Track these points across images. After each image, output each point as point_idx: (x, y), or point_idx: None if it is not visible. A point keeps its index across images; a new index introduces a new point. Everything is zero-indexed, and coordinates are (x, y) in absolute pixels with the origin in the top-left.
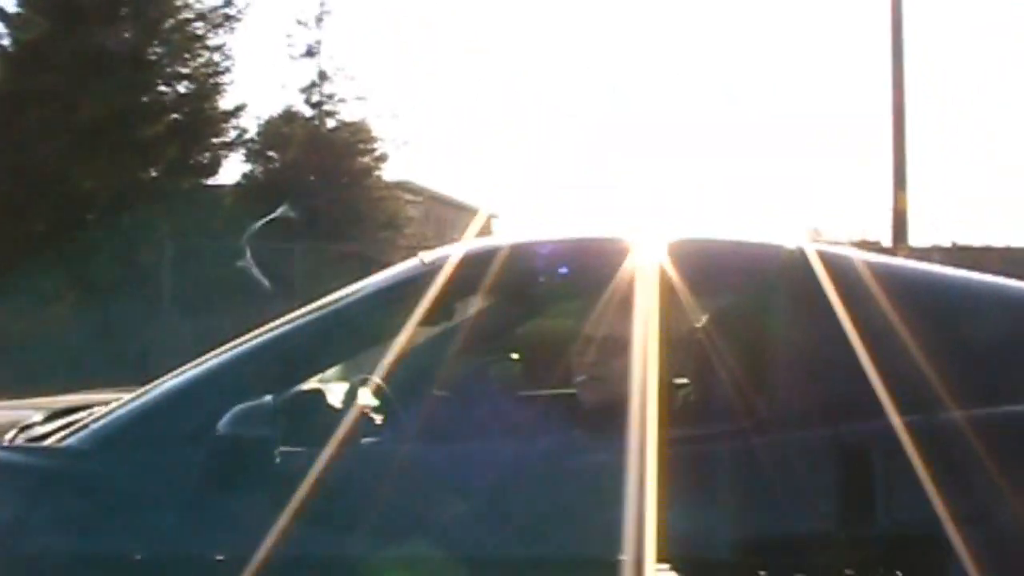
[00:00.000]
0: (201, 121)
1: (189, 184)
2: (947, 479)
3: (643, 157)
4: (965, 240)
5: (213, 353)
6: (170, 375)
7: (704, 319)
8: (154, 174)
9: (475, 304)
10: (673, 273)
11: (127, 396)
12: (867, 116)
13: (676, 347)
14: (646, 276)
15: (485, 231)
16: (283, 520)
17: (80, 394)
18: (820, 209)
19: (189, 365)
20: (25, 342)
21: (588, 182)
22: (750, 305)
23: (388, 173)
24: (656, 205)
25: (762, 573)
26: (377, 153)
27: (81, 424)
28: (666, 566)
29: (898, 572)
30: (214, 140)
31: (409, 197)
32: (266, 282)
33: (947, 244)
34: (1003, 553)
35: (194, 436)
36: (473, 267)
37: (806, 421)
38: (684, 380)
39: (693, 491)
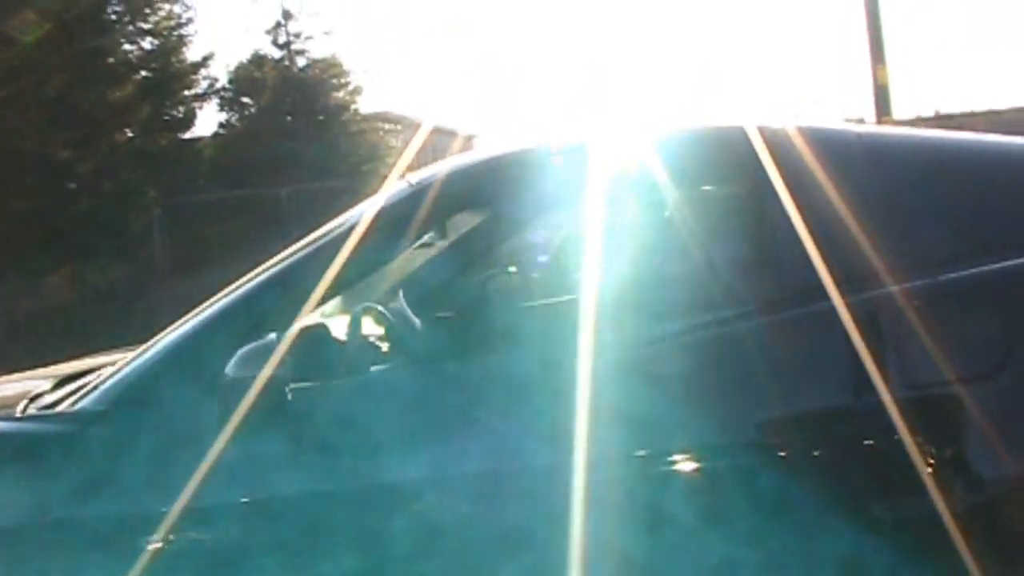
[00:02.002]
0: (170, 76)
1: (167, 141)
2: (946, 341)
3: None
4: (949, 108)
5: (212, 299)
6: (173, 326)
7: (677, 208)
8: (130, 135)
9: (468, 221)
10: (648, 168)
11: (132, 354)
12: None
13: (657, 240)
14: (623, 174)
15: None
16: (302, 456)
17: (85, 359)
18: (801, 90)
19: (190, 315)
20: (28, 319)
21: (564, 94)
22: (734, 189)
23: (365, 106)
24: (641, 103)
25: (782, 452)
26: (351, 87)
27: (91, 387)
28: (684, 455)
29: (917, 436)
30: (186, 93)
31: (388, 127)
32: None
33: (930, 114)
34: (1013, 408)
35: (204, 383)
36: (460, 183)
37: (804, 296)
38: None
39: (703, 379)
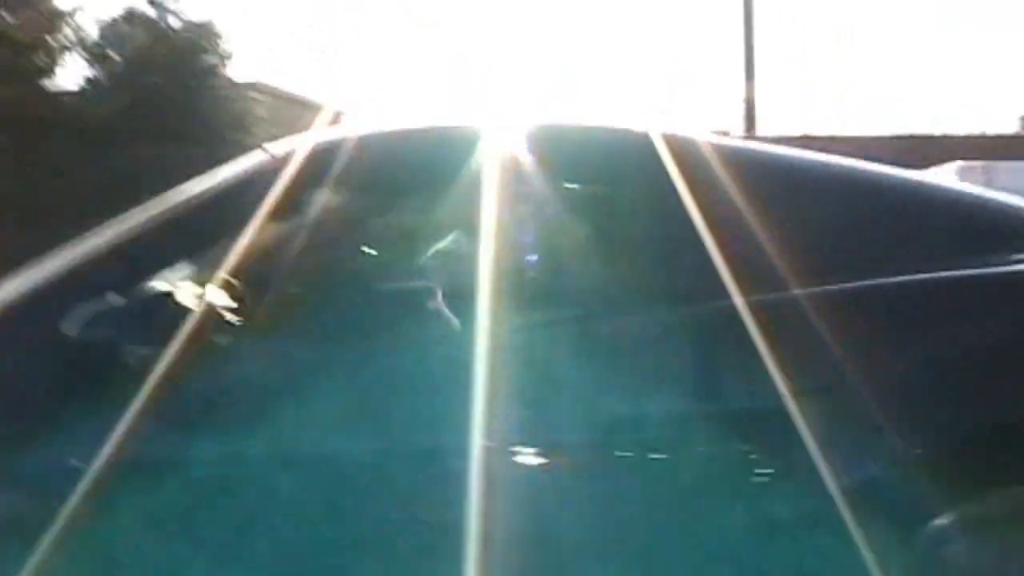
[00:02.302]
0: (34, 23)
1: (25, 90)
2: (792, 355)
3: (495, 53)
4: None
5: (55, 255)
6: (13, 281)
7: (555, 204)
8: None
9: (326, 198)
10: (523, 159)
11: None
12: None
13: (529, 233)
14: (496, 163)
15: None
16: (137, 422)
17: None
18: (672, 102)
19: (33, 269)
20: None
21: (438, 76)
22: (599, 188)
23: (236, 74)
24: (507, 97)
25: (618, 452)
26: (223, 52)
27: None
28: (530, 450)
29: (745, 447)
30: (48, 39)
31: (257, 96)
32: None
33: (796, 134)
34: (843, 423)
35: (39, 340)
36: (322, 159)
37: (659, 302)
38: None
39: (544, 375)
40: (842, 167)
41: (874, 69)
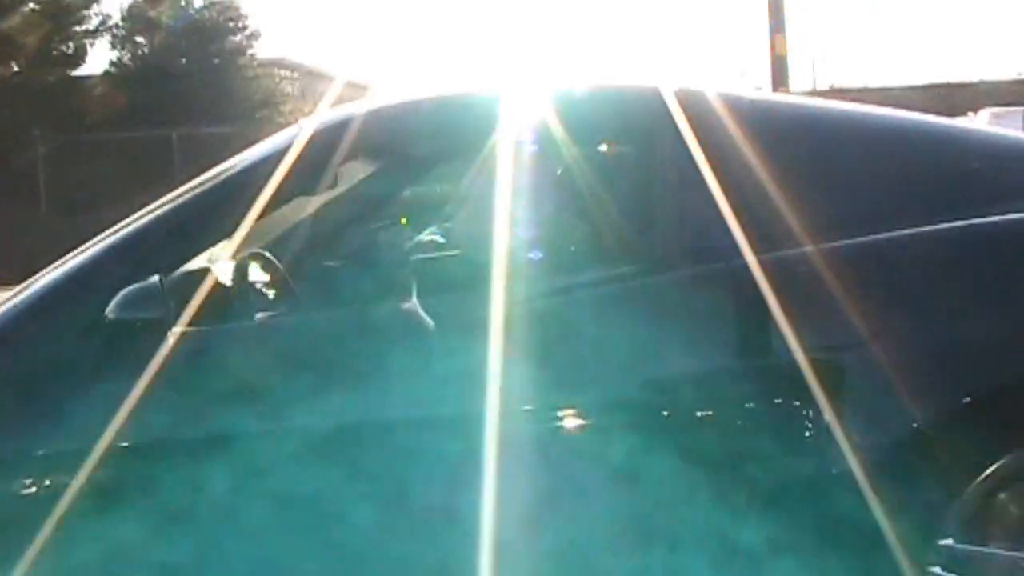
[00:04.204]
0: (60, 9)
1: (55, 77)
2: (828, 309)
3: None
4: (843, 83)
5: (95, 240)
6: (53, 267)
7: (573, 166)
8: (16, 69)
9: (360, 170)
10: (545, 122)
11: (8, 294)
12: None
13: (554, 198)
14: (520, 126)
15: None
16: (183, 401)
17: None
18: (700, 57)
19: (72, 254)
20: None
21: (463, 47)
22: (621, 148)
23: (262, 52)
24: (528, 58)
25: (665, 412)
26: (248, 31)
27: None
28: (571, 410)
29: (803, 400)
30: (77, 28)
31: (285, 74)
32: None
33: (825, 87)
34: (893, 372)
35: (84, 323)
36: (355, 130)
37: (691, 257)
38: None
39: (572, 338)
40: (875, 116)
41: (902, 16)
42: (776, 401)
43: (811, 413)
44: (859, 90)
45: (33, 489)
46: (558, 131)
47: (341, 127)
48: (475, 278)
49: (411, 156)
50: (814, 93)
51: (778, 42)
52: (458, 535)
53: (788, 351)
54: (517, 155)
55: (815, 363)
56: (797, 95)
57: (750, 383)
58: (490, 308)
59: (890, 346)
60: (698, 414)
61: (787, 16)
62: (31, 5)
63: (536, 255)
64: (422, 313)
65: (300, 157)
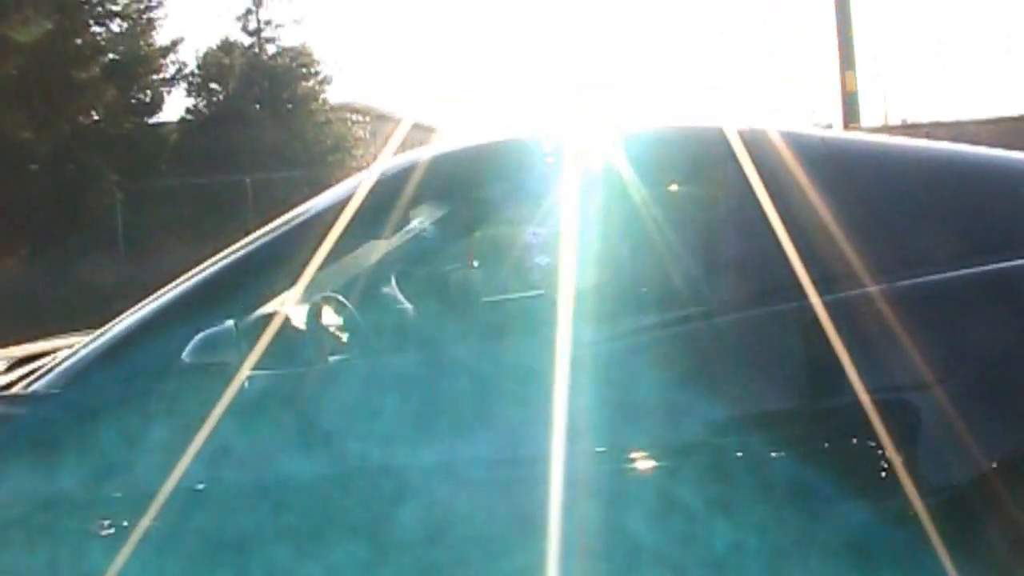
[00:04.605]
0: (138, 59)
1: (132, 124)
2: (902, 346)
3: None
4: (915, 118)
5: (171, 284)
6: (131, 311)
7: (638, 208)
8: (96, 117)
9: (431, 213)
10: (612, 165)
11: (88, 337)
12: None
13: (624, 238)
14: (587, 169)
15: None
16: (258, 444)
17: (40, 342)
18: (769, 94)
19: (149, 299)
20: None
21: (529, 90)
22: (689, 189)
23: (333, 96)
24: (605, 102)
25: (739, 453)
26: (320, 76)
27: (45, 369)
28: (643, 453)
29: (870, 441)
30: (153, 77)
31: (356, 117)
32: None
33: (897, 123)
34: (965, 411)
35: (161, 368)
36: (425, 175)
37: (759, 298)
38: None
39: (661, 377)
40: (948, 152)
41: (971, 49)
42: (845, 442)
43: (879, 454)
44: (931, 124)
45: (111, 531)
46: (622, 173)
47: (409, 171)
48: (544, 320)
49: (479, 199)
50: (885, 128)
51: (848, 78)
52: (525, 571)
53: (857, 392)
54: (583, 198)
55: (883, 404)
56: (868, 131)
57: (818, 424)
58: (559, 349)
59: (960, 386)
60: (766, 455)
61: (857, 52)
62: (110, 55)
63: (543, 260)
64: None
65: (370, 201)
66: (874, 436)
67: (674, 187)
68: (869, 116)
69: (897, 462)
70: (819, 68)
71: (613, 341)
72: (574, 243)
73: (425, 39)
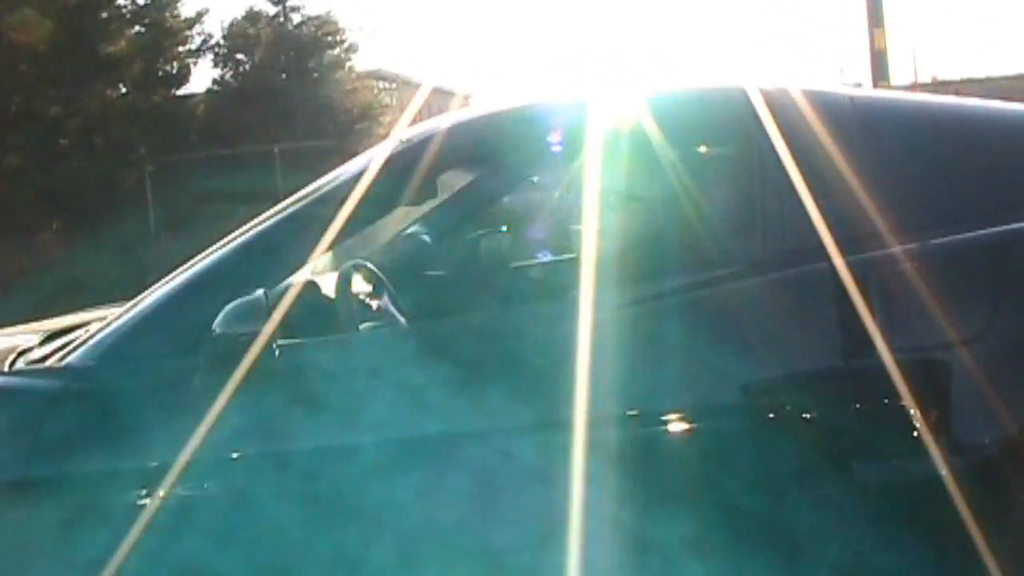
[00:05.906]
0: (164, 31)
1: (160, 97)
2: (934, 306)
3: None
4: (945, 75)
5: (201, 255)
6: (161, 282)
7: (675, 168)
8: (124, 91)
9: (459, 179)
10: (647, 126)
11: (120, 310)
12: None
13: (649, 201)
14: (619, 133)
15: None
16: (289, 413)
17: (73, 315)
18: (798, 53)
19: (179, 271)
20: (18, 276)
21: (559, 56)
22: (709, 151)
23: (359, 64)
24: (631, 62)
25: (771, 415)
26: (346, 44)
27: (79, 342)
28: (677, 415)
29: (904, 402)
30: (180, 49)
31: (382, 85)
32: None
33: (927, 80)
34: (1001, 370)
35: (191, 338)
36: (453, 140)
37: (790, 259)
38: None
39: (690, 339)
40: (982, 109)
41: (1003, 3)
42: (877, 403)
43: (911, 415)
44: (961, 81)
45: (147, 500)
46: (648, 135)
47: (435, 138)
48: (572, 284)
49: (508, 165)
50: (915, 86)
51: (877, 36)
52: (558, 538)
53: (888, 352)
54: (609, 160)
55: (914, 365)
56: (898, 89)
57: (850, 385)
58: (588, 313)
59: (994, 346)
60: (799, 416)
61: (885, 9)
62: (136, 28)
63: (545, 255)
64: None
65: (399, 168)
66: (905, 397)
67: (702, 148)
68: (899, 74)
69: (928, 423)
70: (848, 27)
71: (641, 304)
72: (598, 208)
73: (453, 2)
